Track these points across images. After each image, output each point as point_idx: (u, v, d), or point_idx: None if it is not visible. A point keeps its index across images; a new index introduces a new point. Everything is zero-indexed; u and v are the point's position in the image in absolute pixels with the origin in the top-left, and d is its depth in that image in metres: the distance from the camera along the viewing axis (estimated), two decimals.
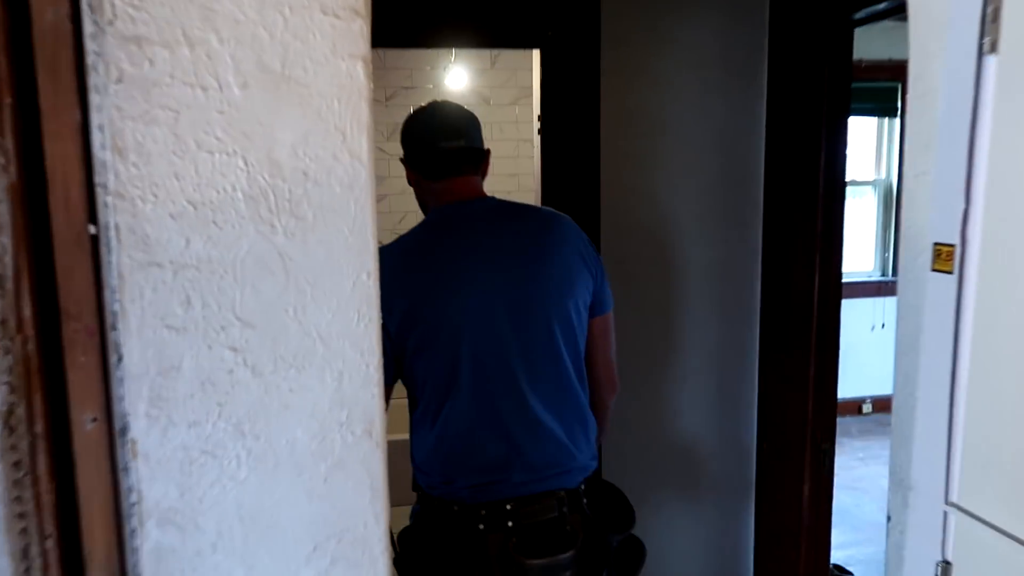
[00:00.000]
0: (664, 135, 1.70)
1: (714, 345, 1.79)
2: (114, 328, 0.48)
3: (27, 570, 0.46)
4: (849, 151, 1.65)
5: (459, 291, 1.17)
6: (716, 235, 1.76)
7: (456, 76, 4.02)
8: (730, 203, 1.76)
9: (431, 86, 4.03)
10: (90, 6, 0.45)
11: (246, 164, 0.50)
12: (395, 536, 1.28)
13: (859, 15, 1.54)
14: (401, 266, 1.19)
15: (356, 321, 0.54)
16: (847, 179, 1.67)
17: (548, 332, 1.19)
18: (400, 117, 3.88)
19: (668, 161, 1.71)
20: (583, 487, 1.24)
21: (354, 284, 0.54)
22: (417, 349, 1.18)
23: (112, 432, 0.48)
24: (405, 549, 1.28)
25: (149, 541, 0.50)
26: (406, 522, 1.27)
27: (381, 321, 0.56)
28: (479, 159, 1.27)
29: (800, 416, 1.69)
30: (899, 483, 0.80)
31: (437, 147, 1.25)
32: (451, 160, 1.24)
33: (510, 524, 1.20)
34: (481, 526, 1.20)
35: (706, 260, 1.76)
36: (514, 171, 4.01)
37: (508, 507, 1.21)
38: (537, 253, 1.21)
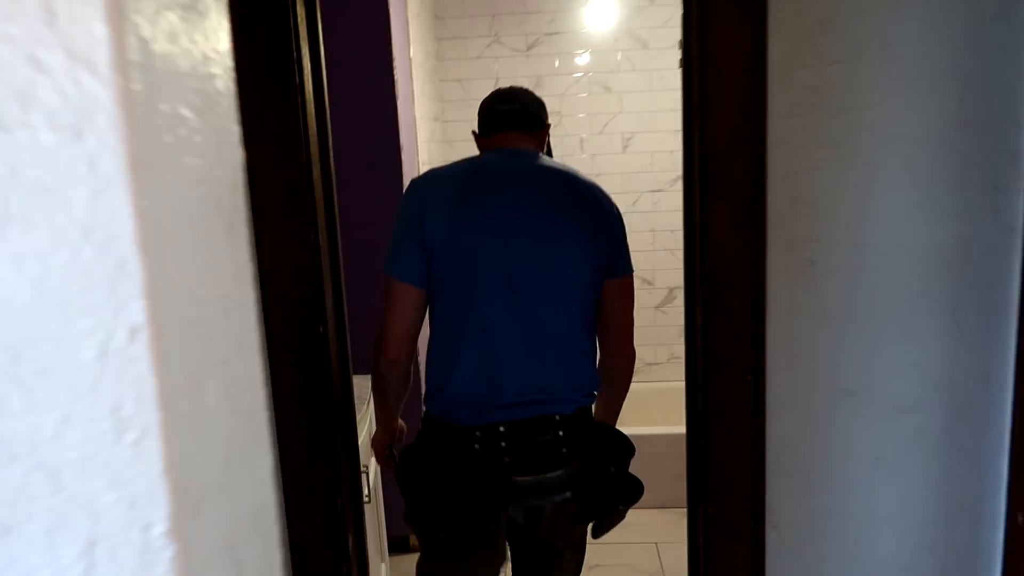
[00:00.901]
0: (861, 56, 1.14)
1: (938, 369, 1.22)
2: None
3: None
4: None
5: (479, 222, 1.35)
6: (946, 205, 1.18)
7: (604, 15, 3.51)
8: (971, 157, 1.17)
9: (576, 30, 3.56)
10: None
11: None
12: (396, 453, 1.45)
13: None
14: (430, 188, 1.39)
15: None
16: None
17: (556, 279, 1.36)
18: (544, 69, 3.37)
19: (868, 95, 1.16)
20: (579, 415, 1.41)
21: None
22: (436, 269, 1.36)
23: None
24: (405, 464, 1.41)
25: None
26: None
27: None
28: (532, 122, 1.49)
29: None
30: None
31: (493, 109, 1.50)
32: (502, 118, 1.48)
33: (503, 444, 1.35)
34: (477, 446, 1.35)
35: (929, 243, 1.19)
36: (677, 125, 3.45)
37: (501, 429, 1.34)
38: (558, 204, 1.37)
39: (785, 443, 1.27)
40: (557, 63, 3.46)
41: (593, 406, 1.57)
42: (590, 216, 1.39)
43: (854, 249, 1.20)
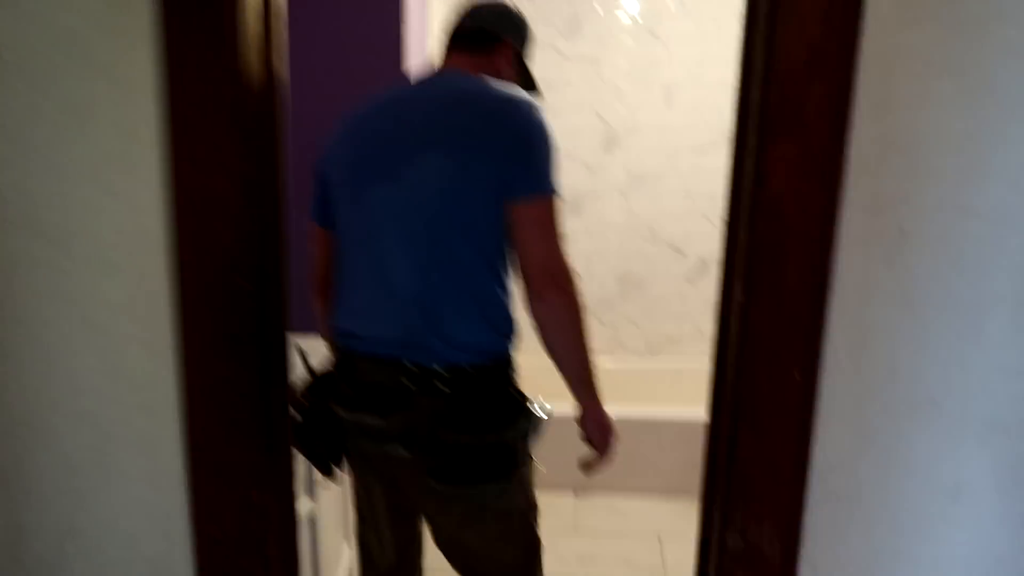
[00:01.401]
0: None
1: None
2: None
3: None
4: None
5: (359, 158, 1.26)
6: None
7: None
8: None
9: None
10: None
11: None
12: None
13: None
14: (339, 124, 1.33)
15: None
16: None
17: (447, 212, 1.19)
18: (583, 9, 2.93)
19: (1011, 3, 0.85)
20: (446, 373, 1.22)
21: None
22: (334, 197, 1.32)
23: None
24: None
25: None
26: None
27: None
28: (475, 41, 1.34)
29: None
30: None
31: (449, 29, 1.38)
32: (448, 39, 1.37)
33: (354, 376, 1.30)
34: (341, 374, 1.33)
35: None
36: (730, 78, 3.10)
37: (357, 363, 1.29)
38: (454, 129, 1.19)
39: (837, 461, 1.00)
40: (598, 5, 3.12)
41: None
42: (491, 136, 1.18)
43: (961, 217, 0.91)
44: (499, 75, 1.32)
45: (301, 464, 1.65)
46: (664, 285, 3.31)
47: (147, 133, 0.96)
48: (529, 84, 1.44)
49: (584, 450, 1.41)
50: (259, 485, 1.09)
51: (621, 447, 2.96)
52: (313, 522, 1.75)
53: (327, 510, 1.86)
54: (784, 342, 0.97)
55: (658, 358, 3.38)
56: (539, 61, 3.20)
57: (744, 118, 0.99)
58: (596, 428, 1.33)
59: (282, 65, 1.08)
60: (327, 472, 1.37)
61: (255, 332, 1.04)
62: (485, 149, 1.17)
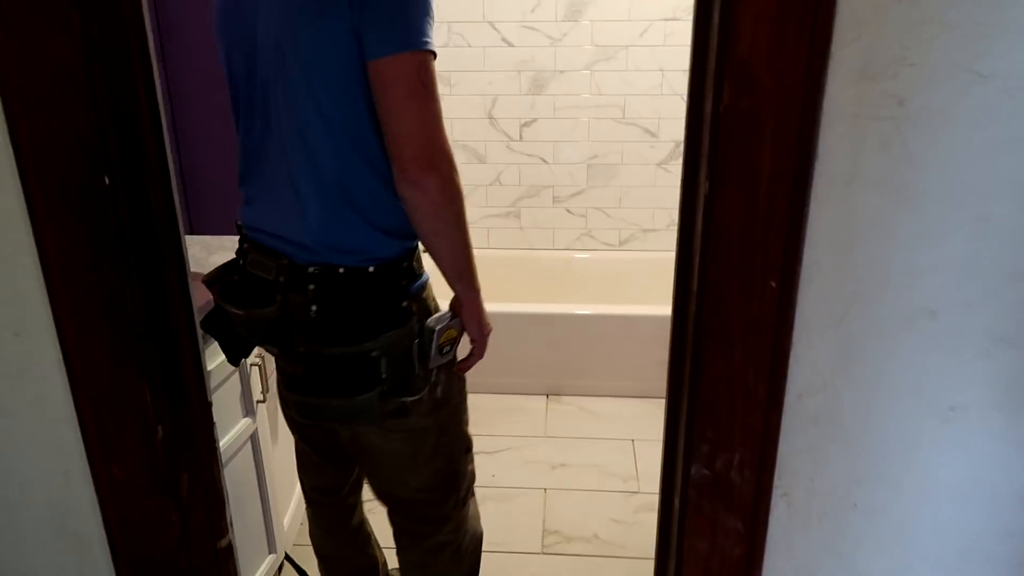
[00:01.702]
0: None
1: None
2: None
3: None
4: None
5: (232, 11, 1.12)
6: None
7: None
8: None
9: None
10: None
11: None
12: None
13: None
14: None
15: None
16: None
17: (285, 72, 1.03)
18: None
19: None
20: (316, 274, 1.10)
21: None
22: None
23: None
24: None
25: None
26: None
27: None
28: None
29: None
30: None
31: None
32: None
33: (240, 263, 1.23)
34: (239, 260, 1.24)
35: None
36: None
37: (244, 245, 1.22)
38: None
39: (816, 379, 0.86)
40: None
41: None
42: None
43: (977, 81, 0.73)
44: None
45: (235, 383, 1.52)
46: (635, 171, 3.12)
47: None
48: None
49: None
50: (160, 416, 0.94)
51: (593, 346, 2.88)
52: (255, 442, 1.63)
53: (273, 428, 1.74)
54: (756, 242, 0.81)
55: (630, 250, 3.23)
56: None
57: None
58: (473, 322, 1.19)
59: None
60: (233, 362, 1.30)
61: (128, 236, 0.85)
62: (338, 4, 0.97)
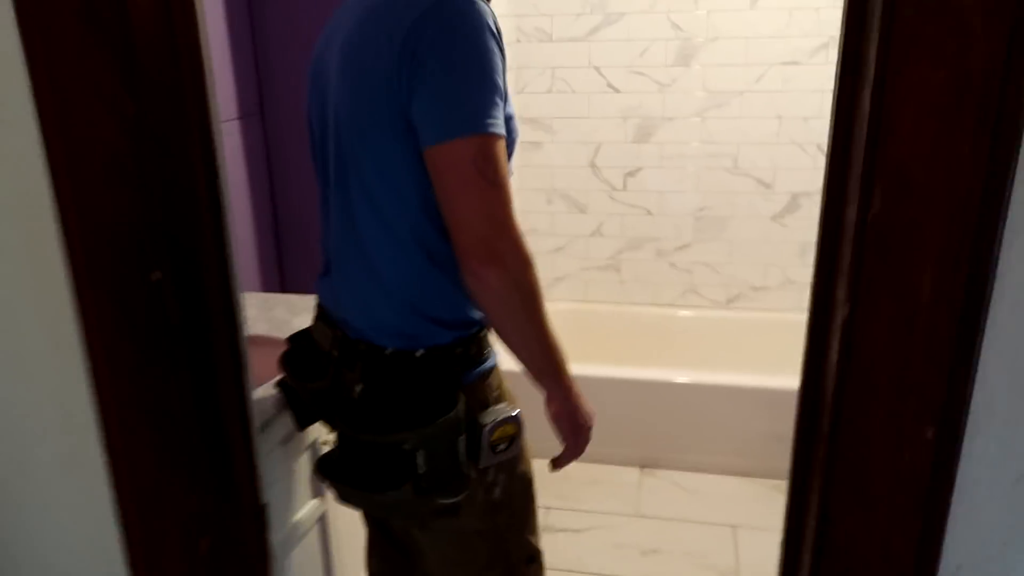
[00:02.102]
0: None
1: None
2: None
3: None
4: None
5: (318, 64, 1.07)
6: None
7: None
8: None
9: None
10: None
11: None
12: None
13: None
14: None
15: None
16: None
17: (350, 154, 0.99)
18: None
19: None
20: (364, 351, 1.04)
21: None
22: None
23: None
24: None
25: None
26: None
27: None
28: None
29: None
30: None
31: None
32: None
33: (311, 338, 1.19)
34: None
35: None
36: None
37: (315, 322, 1.17)
38: (370, 30, 0.94)
39: (981, 550, 0.68)
40: None
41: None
42: (385, 40, 0.91)
43: None
44: None
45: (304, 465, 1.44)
46: (747, 224, 2.92)
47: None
48: None
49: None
50: (206, 526, 0.86)
51: (694, 416, 2.67)
52: (324, 527, 1.55)
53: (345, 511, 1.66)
54: (910, 380, 0.65)
55: (738, 309, 3.02)
56: None
57: (858, 20, 0.64)
58: (563, 422, 1.07)
59: None
60: (300, 427, 1.28)
61: (178, 333, 0.79)
62: (379, 63, 0.91)
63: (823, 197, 0.68)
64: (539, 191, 3.05)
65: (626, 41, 2.82)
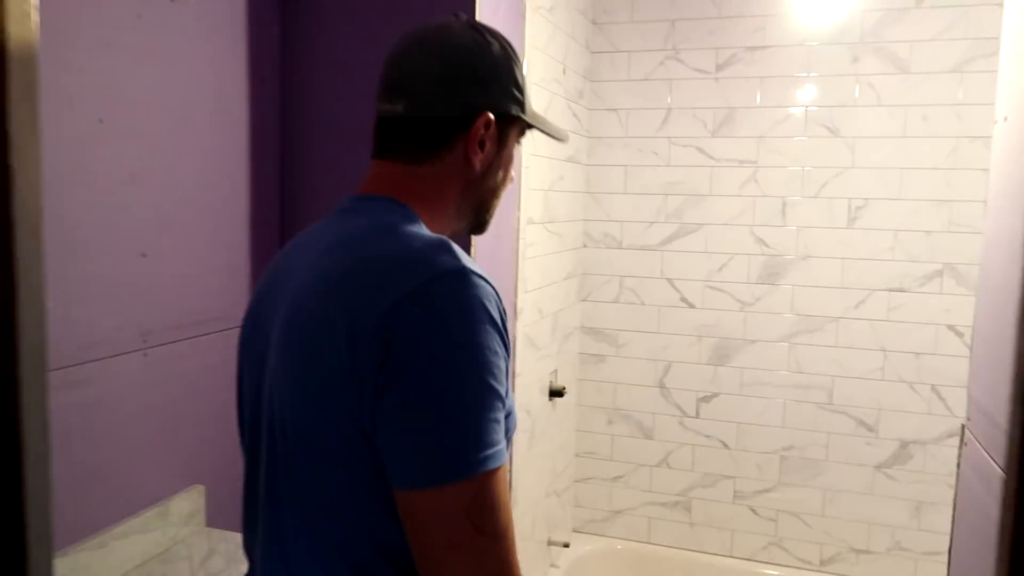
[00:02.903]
0: None
1: None
2: None
3: None
4: None
5: (246, 345, 0.87)
6: None
7: (837, 21, 2.54)
8: None
9: (791, 42, 2.56)
10: None
11: None
12: None
13: None
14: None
15: None
16: None
17: (284, 457, 0.76)
18: (738, 98, 2.29)
19: None
20: None
21: None
22: None
23: None
24: None
25: None
26: None
27: None
28: (420, 136, 0.81)
29: None
30: None
31: (377, 111, 0.86)
32: (379, 134, 0.85)
33: None
34: None
35: None
36: (947, 194, 2.32)
37: None
38: (323, 324, 0.72)
39: None
40: (759, 94, 2.48)
41: None
42: (365, 335, 0.68)
43: None
44: (464, 189, 0.84)
45: None
46: (846, 472, 2.49)
47: None
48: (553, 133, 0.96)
49: None
50: None
51: None
52: None
53: None
54: None
55: (834, 574, 2.52)
56: (677, 160, 2.58)
57: None
58: None
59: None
60: None
61: None
62: (333, 356, 0.69)
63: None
64: (599, 409, 2.72)
65: (703, 254, 2.57)
